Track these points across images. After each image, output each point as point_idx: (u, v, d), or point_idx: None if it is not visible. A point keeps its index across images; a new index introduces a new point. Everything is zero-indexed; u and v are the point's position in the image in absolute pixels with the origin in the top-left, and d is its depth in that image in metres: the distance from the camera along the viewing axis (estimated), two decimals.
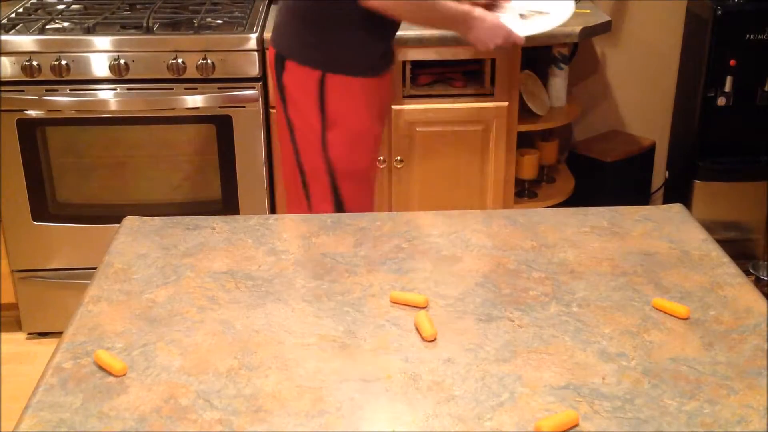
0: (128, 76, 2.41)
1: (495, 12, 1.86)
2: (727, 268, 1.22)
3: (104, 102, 2.44)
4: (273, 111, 2.49)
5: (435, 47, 2.40)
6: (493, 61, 2.46)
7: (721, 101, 2.80)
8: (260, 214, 1.42)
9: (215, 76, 2.42)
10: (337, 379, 0.97)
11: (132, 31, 2.47)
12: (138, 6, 2.68)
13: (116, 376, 0.97)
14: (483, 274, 1.19)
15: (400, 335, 1.05)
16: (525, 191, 2.80)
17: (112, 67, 2.39)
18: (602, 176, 3.00)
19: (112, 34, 2.42)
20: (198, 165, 2.56)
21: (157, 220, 1.36)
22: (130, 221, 1.36)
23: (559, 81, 2.80)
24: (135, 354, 1.02)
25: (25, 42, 2.38)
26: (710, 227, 1.37)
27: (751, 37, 2.73)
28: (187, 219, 1.36)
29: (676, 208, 1.42)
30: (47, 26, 2.48)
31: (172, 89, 2.43)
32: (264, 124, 2.48)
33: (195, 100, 2.44)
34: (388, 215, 1.37)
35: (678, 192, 3.03)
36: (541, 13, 1.82)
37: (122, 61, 2.39)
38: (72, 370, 0.99)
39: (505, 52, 2.39)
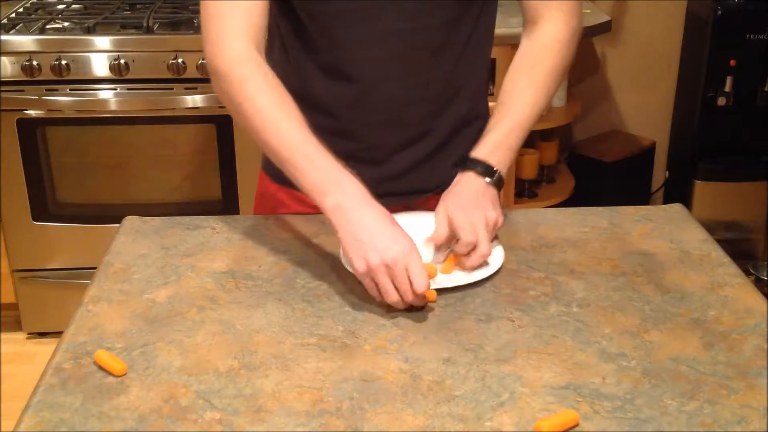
0: (128, 76, 2.41)
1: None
2: (727, 268, 1.22)
3: (104, 102, 2.44)
4: None
5: None
6: (493, 61, 2.46)
7: (721, 101, 2.80)
8: None
9: None
10: (337, 379, 0.97)
11: (132, 31, 2.47)
12: (138, 6, 2.68)
13: (116, 376, 0.97)
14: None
15: (400, 335, 1.05)
16: (525, 191, 2.81)
17: (112, 67, 2.39)
18: (602, 176, 3.00)
19: (112, 34, 2.42)
20: (198, 165, 2.56)
21: (157, 220, 1.36)
22: (130, 221, 1.36)
23: None
24: (135, 354, 1.02)
25: (25, 42, 2.38)
26: (710, 227, 1.37)
27: (751, 37, 2.73)
28: (187, 219, 1.36)
29: (676, 208, 1.42)
30: (47, 26, 2.48)
31: (172, 89, 2.44)
32: None
33: (195, 100, 2.44)
34: None
35: (678, 192, 3.03)
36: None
37: (122, 61, 2.39)
38: (72, 370, 0.99)
39: (505, 56, 2.38)
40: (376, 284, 1.08)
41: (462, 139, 1.36)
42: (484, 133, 1.28)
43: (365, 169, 1.30)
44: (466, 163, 1.25)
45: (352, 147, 1.31)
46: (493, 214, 1.20)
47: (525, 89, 1.29)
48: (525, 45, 1.32)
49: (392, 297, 1.07)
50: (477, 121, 1.37)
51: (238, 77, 1.19)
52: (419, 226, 1.30)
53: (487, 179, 1.23)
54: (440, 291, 1.14)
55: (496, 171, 1.24)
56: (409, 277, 1.07)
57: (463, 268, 1.18)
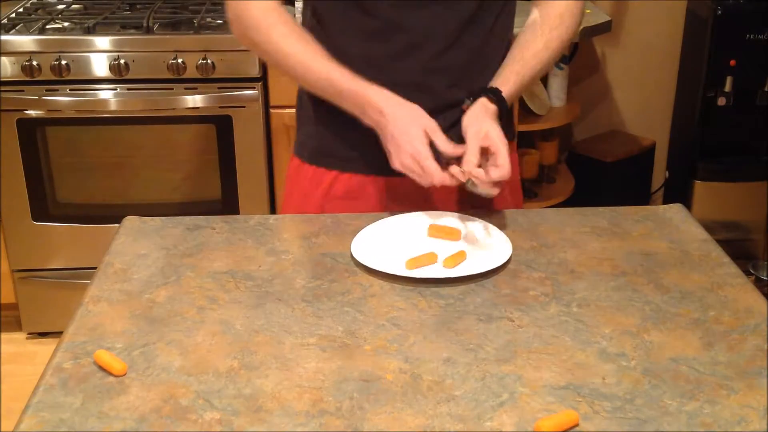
0: (128, 76, 2.41)
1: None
2: (727, 268, 1.22)
3: (104, 102, 2.44)
4: (273, 111, 2.49)
5: None
6: None
7: (721, 101, 2.80)
8: (260, 214, 1.42)
9: (215, 76, 2.42)
10: (337, 379, 0.97)
11: (132, 31, 2.47)
12: (138, 6, 2.68)
13: (116, 376, 0.97)
14: (483, 274, 1.19)
15: (400, 335, 1.05)
16: (525, 191, 2.80)
17: (112, 67, 2.39)
18: (602, 176, 3.00)
19: (112, 34, 2.42)
20: (198, 165, 2.56)
21: (157, 220, 1.36)
22: (130, 221, 1.36)
23: (559, 81, 2.80)
24: (135, 354, 1.02)
25: (25, 42, 2.38)
26: (710, 227, 1.37)
27: (751, 37, 2.73)
28: (187, 219, 1.36)
29: (676, 208, 1.42)
30: (47, 26, 2.48)
31: (172, 89, 2.44)
32: (264, 124, 2.48)
33: (195, 100, 2.44)
34: (388, 215, 1.36)
35: (678, 192, 3.03)
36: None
37: (122, 61, 2.39)
38: (72, 370, 0.99)
39: None
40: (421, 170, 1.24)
41: None
42: (506, 71, 1.37)
43: None
44: (497, 96, 1.34)
45: None
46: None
47: (541, 50, 1.39)
48: (545, 8, 1.41)
49: (426, 180, 1.24)
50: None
51: (266, 25, 1.34)
52: (423, 226, 1.30)
53: (502, 111, 1.35)
54: (445, 286, 1.14)
55: (511, 111, 1.40)
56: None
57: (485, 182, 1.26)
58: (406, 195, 1.39)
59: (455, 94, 1.37)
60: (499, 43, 1.41)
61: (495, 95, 1.34)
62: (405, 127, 1.27)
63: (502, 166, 1.24)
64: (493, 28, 1.38)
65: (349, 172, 1.42)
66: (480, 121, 1.30)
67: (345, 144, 1.41)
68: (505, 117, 1.35)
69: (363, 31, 1.35)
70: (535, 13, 1.42)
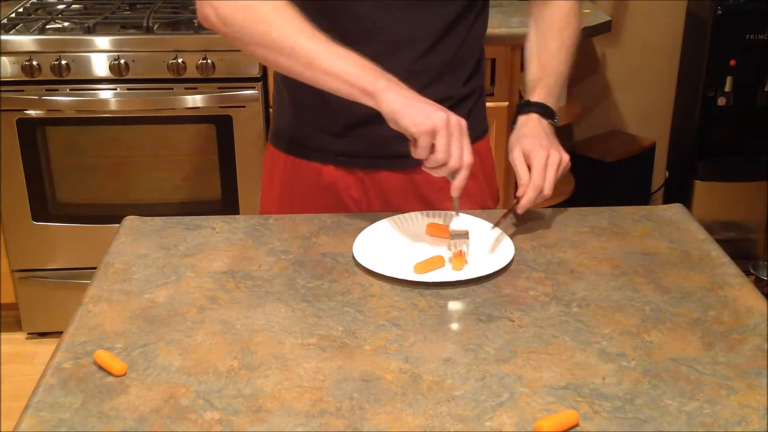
0: (128, 76, 2.41)
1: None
2: (727, 268, 1.22)
3: (104, 102, 2.44)
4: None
5: None
6: (493, 61, 2.46)
7: (721, 101, 2.80)
8: (260, 214, 1.43)
9: (215, 75, 2.42)
10: (337, 379, 0.97)
11: (132, 31, 2.47)
12: (138, 6, 2.69)
13: (116, 376, 0.97)
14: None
15: (400, 335, 1.05)
16: None
17: (112, 67, 2.39)
18: (602, 176, 3.00)
19: (112, 34, 2.42)
20: (198, 165, 2.56)
21: (157, 220, 1.36)
22: (130, 221, 1.36)
23: None
24: (135, 354, 1.02)
25: (25, 42, 2.38)
26: (710, 227, 1.38)
27: (751, 37, 2.73)
28: (187, 219, 1.36)
29: (676, 208, 1.42)
30: (47, 26, 2.48)
31: (172, 89, 2.44)
32: (264, 124, 2.48)
33: (195, 100, 2.44)
34: (388, 215, 1.36)
35: (678, 192, 3.03)
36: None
37: (122, 61, 2.39)
38: (72, 370, 0.99)
39: (505, 52, 2.38)
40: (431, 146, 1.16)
41: (462, 111, 1.41)
42: (531, 84, 1.41)
43: (371, 130, 1.35)
44: (530, 105, 1.37)
45: (356, 108, 1.34)
46: (565, 155, 1.31)
47: (558, 50, 1.42)
48: (546, 13, 1.44)
49: (443, 156, 1.16)
50: (473, 96, 1.45)
51: (255, 9, 1.24)
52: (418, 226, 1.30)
53: (550, 120, 1.37)
54: (447, 287, 1.15)
55: (555, 113, 1.38)
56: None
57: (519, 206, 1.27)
58: (393, 189, 1.41)
59: (428, 96, 1.35)
60: (475, 45, 1.43)
61: (526, 107, 1.37)
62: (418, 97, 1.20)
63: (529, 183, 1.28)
64: (470, 31, 1.39)
65: (331, 164, 1.42)
66: (516, 143, 1.33)
67: (325, 136, 1.41)
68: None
69: (346, 33, 1.32)
70: (533, 25, 1.45)
